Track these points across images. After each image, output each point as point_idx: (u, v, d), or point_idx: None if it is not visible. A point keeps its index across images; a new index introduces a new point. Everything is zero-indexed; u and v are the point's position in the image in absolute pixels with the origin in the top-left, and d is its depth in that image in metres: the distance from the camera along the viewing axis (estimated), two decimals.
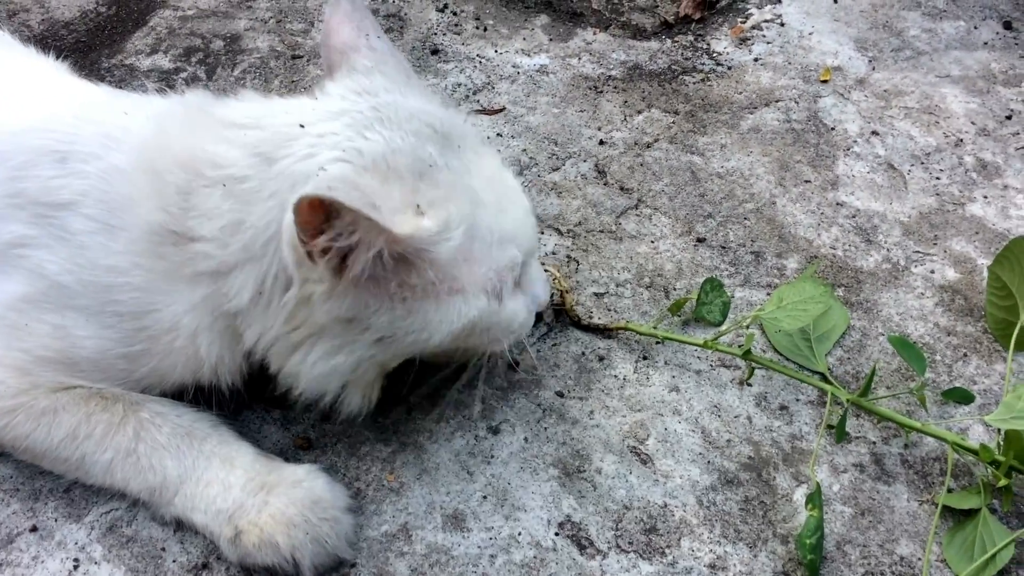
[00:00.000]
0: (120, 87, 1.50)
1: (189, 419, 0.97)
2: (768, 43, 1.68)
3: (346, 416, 0.96)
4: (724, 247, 1.30)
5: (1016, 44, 1.67)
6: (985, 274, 1.21)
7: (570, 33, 1.73)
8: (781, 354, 1.15)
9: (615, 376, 1.13)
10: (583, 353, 1.15)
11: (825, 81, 1.60)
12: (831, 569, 0.94)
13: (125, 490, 0.95)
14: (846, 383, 1.12)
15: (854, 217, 1.34)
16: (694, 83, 1.60)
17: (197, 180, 0.87)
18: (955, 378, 1.13)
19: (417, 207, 0.84)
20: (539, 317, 1.17)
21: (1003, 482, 0.96)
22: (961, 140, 1.47)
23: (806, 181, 1.40)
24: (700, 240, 1.31)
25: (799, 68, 1.63)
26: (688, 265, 1.27)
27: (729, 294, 1.22)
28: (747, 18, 1.74)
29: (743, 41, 1.70)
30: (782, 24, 1.72)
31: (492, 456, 1.03)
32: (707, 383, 1.12)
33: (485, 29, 1.72)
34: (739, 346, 1.11)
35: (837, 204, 1.37)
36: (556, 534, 0.97)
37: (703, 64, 1.65)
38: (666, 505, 0.99)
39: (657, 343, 1.17)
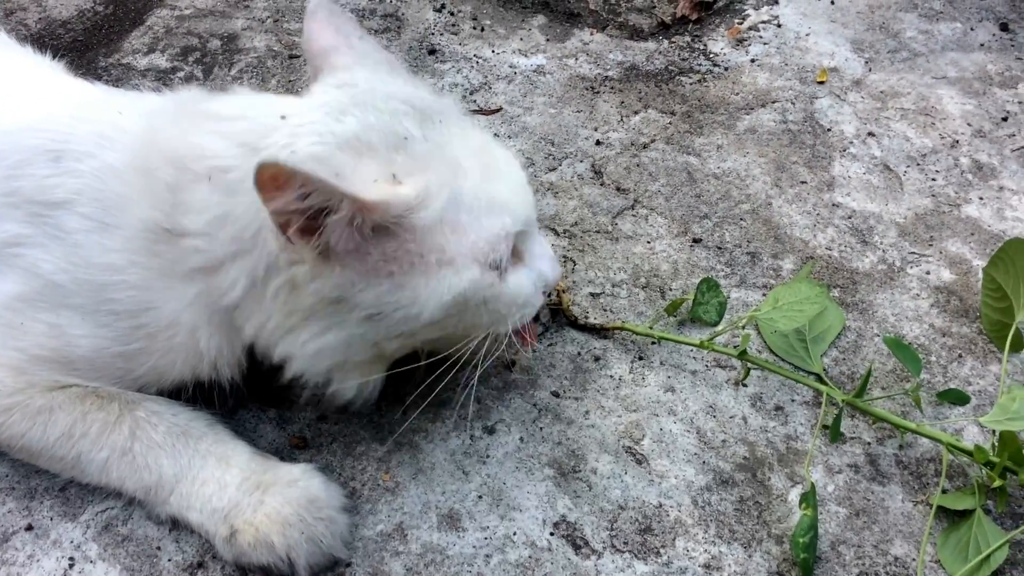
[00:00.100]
0: (117, 86, 1.50)
1: (185, 418, 0.97)
2: (765, 44, 1.69)
3: (343, 402, 0.95)
4: (720, 248, 1.30)
5: (1012, 46, 1.67)
6: (980, 275, 1.21)
7: (567, 33, 1.73)
8: (777, 355, 1.15)
9: (611, 376, 1.13)
10: (579, 353, 1.15)
11: (821, 82, 1.60)
12: (825, 569, 0.95)
13: (121, 489, 0.95)
14: (841, 384, 1.12)
15: (850, 218, 1.35)
16: (691, 84, 1.61)
17: (184, 175, 0.87)
18: (950, 379, 1.13)
19: (393, 176, 0.84)
20: (535, 317, 1.17)
21: (997, 483, 0.96)
22: (957, 141, 1.47)
23: (802, 182, 1.41)
24: (696, 241, 1.31)
25: (796, 69, 1.63)
26: (684, 266, 1.27)
27: (725, 294, 1.22)
28: (744, 19, 1.75)
29: (740, 42, 1.70)
30: (779, 25, 1.72)
31: (487, 456, 1.04)
32: (703, 383, 1.12)
33: (482, 29, 1.73)
34: (735, 347, 1.11)
35: (833, 205, 1.37)
36: (551, 534, 0.97)
37: (700, 65, 1.65)
38: (661, 505, 1.00)
39: (653, 343, 1.17)
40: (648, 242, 1.31)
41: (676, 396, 1.11)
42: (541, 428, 1.07)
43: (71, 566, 0.93)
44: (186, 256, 0.88)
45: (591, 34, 1.73)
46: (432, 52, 1.66)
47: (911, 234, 1.32)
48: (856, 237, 1.32)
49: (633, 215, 1.35)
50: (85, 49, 1.66)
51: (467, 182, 0.88)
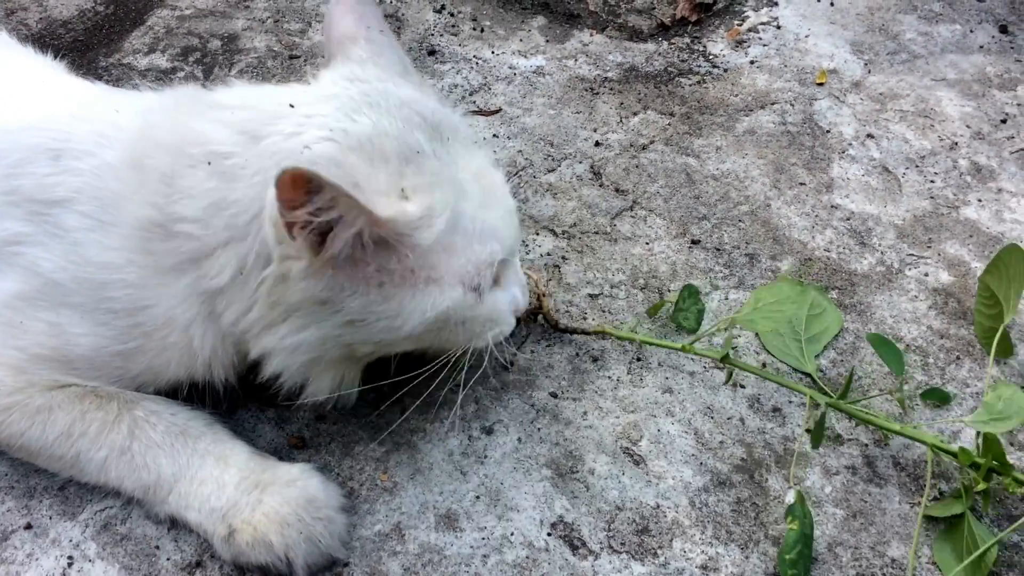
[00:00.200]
0: (117, 86, 1.50)
1: (183, 417, 0.97)
2: (764, 46, 1.69)
3: (313, 396, 0.95)
4: (718, 249, 1.30)
5: (1012, 48, 1.67)
6: (979, 277, 1.21)
7: (567, 35, 1.74)
8: (773, 355, 1.15)
9: (609, 377, 1.13)
10: (577, 354, 1.16)
11: (821, 84, 1.60)
12: (822, 571, 0.95)
13: (119, 488, 0.95)
14: (838, 385, 1.12)
15: (848, 220, 1.35)
16: (690, 85, 1.61)
17: (181, 161, 0.87)
18: (947, 381, 1.13)
19: (402, 191, 0.85)
20: (518, 321, 1.17)
21: (981, 486, 0.94)
22: (956, 143, 1.48)
23: (801, 184, 1.41)
24: (695, 242, 1.31)
25: (795, 71, 1.63)
26: (682, 267, 1.28)
27: (722, 296, 1.23)
28: (743, 21, 1.75)
29: (739, 44, 1.70)
30: (778, 27, 1.73)
31: (485, 456, 1.04)
32: (700, 385, 1.13)
33: (482, 30, 1.73)
34: (722, 348, 1.11)
35: (831, 207, 1.37)
36: (548, 534, 0.97)
37: (699, 66, 1.65)
38: (658, 506, 1.00)
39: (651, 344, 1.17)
40: (647, 243, 1.31)
41: (674, 397, 1.11)
42: (539, 429, 1.07)
43: (70, 565, 0.93)
44: (179, 246, 0.88)
45: (591, 35, 1.73)
46: (432, 53, 1.66)
47: (909, 236, 1.33)
48: (854, 239, 1.32)
49: (632, 216, 1.35)
50: (86, 49, 1.66)
51: (467, 205, 0.89)
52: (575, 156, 1.46)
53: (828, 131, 1.51)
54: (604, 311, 1.21)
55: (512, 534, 0.97)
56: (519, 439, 1.06)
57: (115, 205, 0.90)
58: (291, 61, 1.63)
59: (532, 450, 1.05)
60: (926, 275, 1.27)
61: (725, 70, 1.64)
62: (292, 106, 0.87)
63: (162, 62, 1.63)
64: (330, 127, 0.85)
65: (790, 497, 0.96)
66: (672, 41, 1.72)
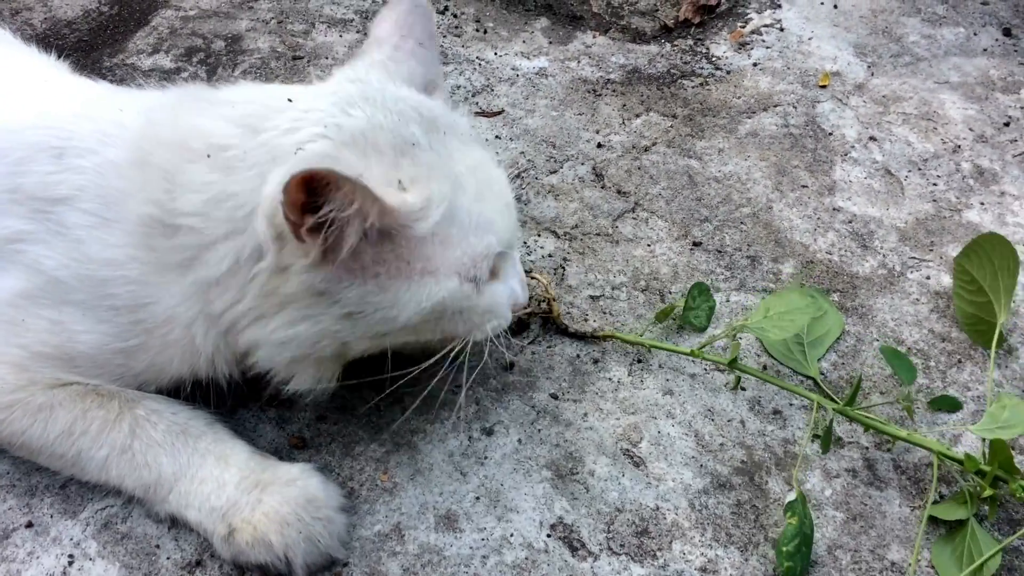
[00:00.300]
0: (121, 86, 1.51)
1: (184, 417, 0.97)
2: (767, 48, 1.69)
3: (293, 391, 0.95)
4: (720, 251, 1.30)
5: (1015, 51, 1.67)
6: (955, 258, 1.21)
7: (570, 36, 1.74)
8: (775, 358, 1.15)
9: (609, 379, 1.13)
10: (578, 355, 1.16)
11: (824, 86, 1.60)
12: (822, 574, 0.95)
13: (120, 487, 0.95)
14: (840, 388, 1.12)
15: (850, 222, 1.35)
16: (693, 87, 1.61)
17: (182, 156, 0.87)
18: (949, 384, 1.13)
19: (399, 183, 0.85)
20: (524, 325, 1.17)
21: (988, 492, 0.95)
22: (959, 146, 1.47)
23: (803, 186, 1.41)
24: (696, 244, 1.31)
25: (798, 73, 1.63)
26: (684, 269, 1.28)
27: (723, 298, 1.23)
28: (747, 23, 1.75)
29: (742, 46, 1.70)
30: (781, 29, 1.73)
31: (485, 457, 1.04)
32: (701, 387, 1.13)
33: (485, 31, 1.73)
34: (727, 353, 1.11)
35: (834, 209, 1.37)
36: (548, 536, 0.97)
37: (702, 68, 1.65)
38: (658, 508, 1.00)
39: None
40: (648, 245, 1.31)
41: (674, 399, 1.11)
42: (539, 430, 1.07)
43: (71, 563, 0.93)
44: (180, 243, 0.88)
45: (593, 37, 1.74)
46: None
47: (912, 239, 1.32)
48: (856, 241, 1.32)
49: (634, 218, 1.35)
50: (90, 49, 1.66)
51: (463, 198, 0.89)
52: (577, 157, 1.46)
53: (831, 133, 1.50)
54: (605, 312, 1.21)
55: (512, 535, 0.97)
56: (519, 440, 1.06)
57: (117, 202, 0.90)
58: (294, 62, 1.64)
59: (532, 451, 1.05)
60: (928, 278, 1.27)
61: (728, 72, 1.64)
62: (290, 100, 0.88)
63: (166, 63, 1.63)
64: (324, 123, 0.85)
65: (791, 497, 0.96)
66: (675, 43, 1.72)
